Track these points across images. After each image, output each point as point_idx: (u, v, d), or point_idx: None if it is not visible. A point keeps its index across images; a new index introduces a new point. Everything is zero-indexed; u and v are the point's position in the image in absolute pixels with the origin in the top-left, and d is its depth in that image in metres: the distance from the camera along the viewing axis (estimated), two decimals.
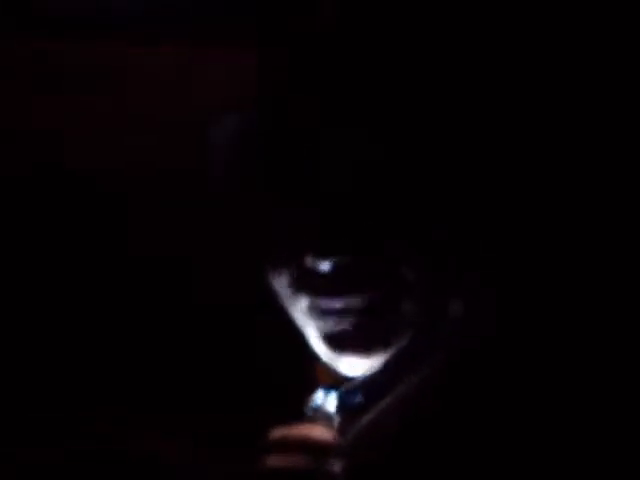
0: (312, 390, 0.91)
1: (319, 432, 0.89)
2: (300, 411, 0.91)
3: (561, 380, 0.81)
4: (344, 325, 0.84)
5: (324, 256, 0.83)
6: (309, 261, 0.84)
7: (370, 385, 0.88)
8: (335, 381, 0.89)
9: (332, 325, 0.85)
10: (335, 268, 0.83)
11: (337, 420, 0.89)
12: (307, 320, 0.87)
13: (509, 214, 0.86)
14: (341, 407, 0.90)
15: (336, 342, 0.86)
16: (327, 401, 0.90)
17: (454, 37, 0.82)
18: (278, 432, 0.89)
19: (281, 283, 0.87)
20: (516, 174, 0.85)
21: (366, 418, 0.87)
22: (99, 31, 1.33)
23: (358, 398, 0.89)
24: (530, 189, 0.85)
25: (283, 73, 0.83)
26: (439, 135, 0.82)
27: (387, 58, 0.81)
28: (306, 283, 0.85)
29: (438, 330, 0.87)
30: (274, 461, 0.88)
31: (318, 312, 0.85)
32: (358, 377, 0.89)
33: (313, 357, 0.89)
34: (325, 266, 0.83)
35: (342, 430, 0.89)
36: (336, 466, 0.87)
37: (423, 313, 0.85)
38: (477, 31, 0.82)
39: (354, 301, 0.84)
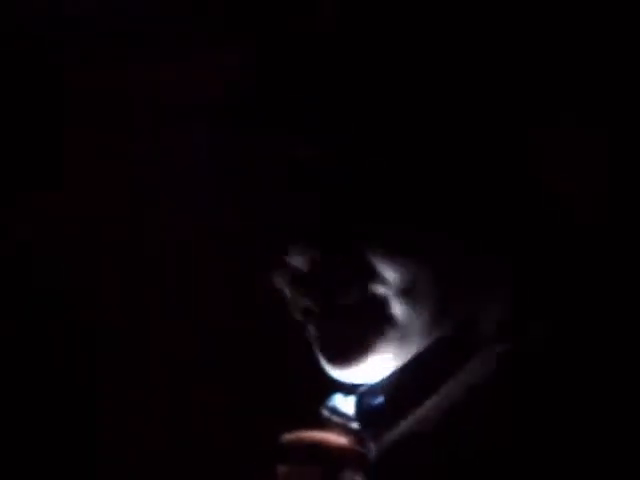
0: (327, 392, 0.84)
1: (334, 438, 0.82)
2: (314, 412, 0.84)
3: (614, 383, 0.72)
4: (336, 326, 0.79)
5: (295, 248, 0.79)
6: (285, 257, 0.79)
7: (392, 386, 0.81)
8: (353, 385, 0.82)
9: (323, 327, 0.80)
10: (310, 261, 0.78)
11: (355, 424, 0.82)
12: (304, 322, 0.82)
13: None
14: (360, 410, 0.82)
15: (326, 347, 0.80)
16: (344, 403, 0.83)
17: (454, 37, 0.78)
18: (290, 437, 0.82)
19: (277, 280, 0.82)
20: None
21: (402, 427, 0.79)
22: None
23: (379, 400, 0.81)
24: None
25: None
26: (440, 135, 0.77)
27: (387, 58, 0.78)
28: (293, 282, 0.80)
29: (472, 331, 0.79)
30: (286, 470, 0.81)
31: (308, 312, 0.80)
32: (378, 379, 0.81)
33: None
34: (297, 260, 0.79)
35: (361, 435, 0.82)
36: (356, 477, 0.80)
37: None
38: (476, 31, 0.78)
39: (342, 298, 0.78)
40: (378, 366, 0.80)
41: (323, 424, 0.83)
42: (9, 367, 1.28)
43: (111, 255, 1.34)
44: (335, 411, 0.83)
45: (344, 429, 0.82)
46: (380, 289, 0.77)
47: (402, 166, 0.77)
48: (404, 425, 0.79)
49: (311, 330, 0.80)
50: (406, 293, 0.77)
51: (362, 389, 0.82)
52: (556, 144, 0.79)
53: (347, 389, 0.83)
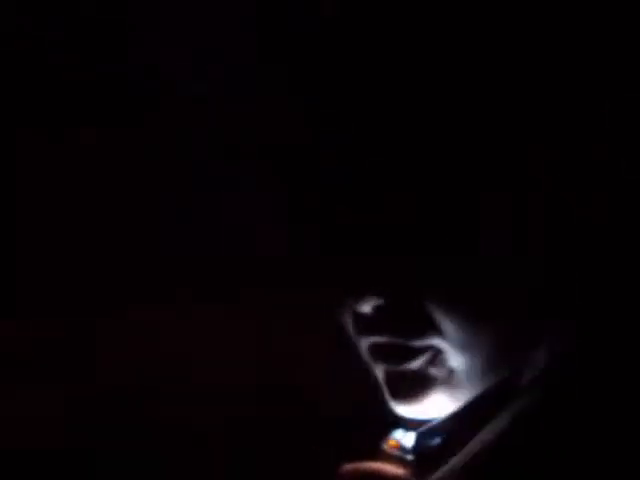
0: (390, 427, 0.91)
1: (391, 469, 0.88)
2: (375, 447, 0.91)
3: None
4: (400, 369, 0.84)
5: (363, 297, 0.82)
6: (352, 303, 0.84)
7: (449, 428, 0.87)
8: (414, 423, 0.89)
9: (389, 369, 0.85)
10: (376, 310, 0.83)
11: (412, 459, 0.89)
12: (370, 362, 0.87)
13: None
14: (418, 447, 0.89)
15: (391, 387, 0.86)
16: (405, 439, 0.90)
17: (455, 38, 0.80)
18: (350, 466, 0.89)
19: (347, 325, 0.87)
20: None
21: (446, 468, 0.85)
22: None
23: (436, 440, 0.88)
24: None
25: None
26: (444, 137, 0.80)
27: (387, 58, 0.80)
28: (361, 326, 0.85)
29: (518, 376, 0.84)
30: None
31: (375, 355, 0.85)
32: (437, 419, 0.88)
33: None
34: (365, 308, 0.83)
35: (416, 470, 0.88)
36: None
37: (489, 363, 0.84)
38: (478, 32, 0.80)
39: (406, 344, 0.83)
40: (436, 406, 0.86)
41: (383, 456, 0.90)
42: None
43: None
44: (396, 444, 0.90)
45: (401, 461, 0.89)
46: (439, 341, 0.83)
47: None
48: (454, 459, 0.84)
49: (378, 370, 0.86)
50: (463, 348, 0.82)
51: (422, 428, 0.88)
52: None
53: (407, 426, 0.90)
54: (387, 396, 0.87)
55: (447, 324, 0.82)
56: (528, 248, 0.83)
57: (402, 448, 0.89)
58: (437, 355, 0.83)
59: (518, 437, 0.79)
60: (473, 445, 0.83)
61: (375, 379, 0.88)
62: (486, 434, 0.83)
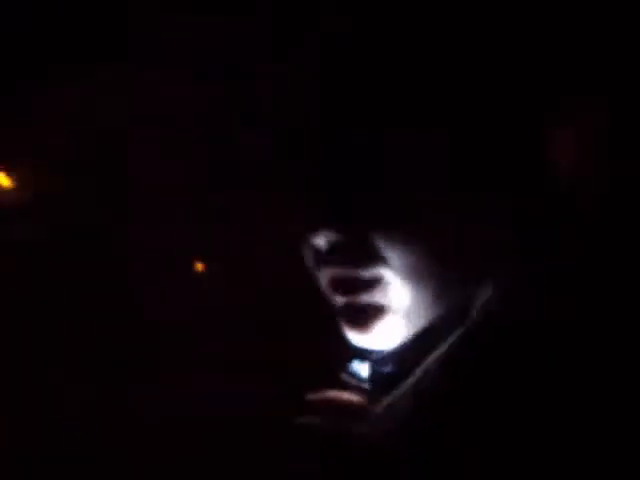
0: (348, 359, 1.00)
1: (347, 395, 0.97)
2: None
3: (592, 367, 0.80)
4: (350, 300, 0.92)
5: (315, 231, 0.90)
6: (307, 237, 0.92)
7: (399, 356, 0.95)
8: (367, 353, 0.98)
9: (341, 300, 0.93)
10: (329, 242, 0.90)
11: (367, 387, 0.98)
12: (329, 295, 0.95)
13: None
14: (372, 376, 0.98)
15: (343, 317, 0.94)
16: (360, 369, 0.99)
17: (457, 39, 0.86)
18: (312, 396, 0.98)
19: (307, 259, 0.95)
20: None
21: (396, 391, 0.93)
22: None
23: (388, 368, 0.96)
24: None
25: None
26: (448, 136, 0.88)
27: (389, 58, 0.87)
28: (317, 259, 0.93)
29: (467, 309, 0.90)
30: (306, 420, 0.96)
31: (329, 286, 0.93)
32: (388, 349, 0.96)
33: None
34: (319, 241, 0.90)
35: (373, 396, 0.97)
36: (363, 428, 0.95)
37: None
38: (480, 34, 0.86)
39: (354, 275, 0.91)
40: (387, 336, 0.94)
41: (342, 385, 0.99)
42: None
43: None
44: (352, 375, 0.99)
45: (358, 389, 0.98)
46: (387, 272, 0.90)
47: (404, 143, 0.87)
48: (404, 383, 0.92)
49: (335, 301, 0.95)
50: (409, 277, 0.89)
51: (374, 358, 0.97)
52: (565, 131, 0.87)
53: (363, 357, 0.99)
54: (342, 326, 0.95)
55: (391, 254, 0.89)
56: (473, 181, 0.89)
57: (358, 377, 0.98)
58: (384, 285, 0.91)
59: (463, 356, 0.86)
60: (421, 369, 0.91)
61: (333, 310, 0.96)
62: (433, 357, 0.90)
